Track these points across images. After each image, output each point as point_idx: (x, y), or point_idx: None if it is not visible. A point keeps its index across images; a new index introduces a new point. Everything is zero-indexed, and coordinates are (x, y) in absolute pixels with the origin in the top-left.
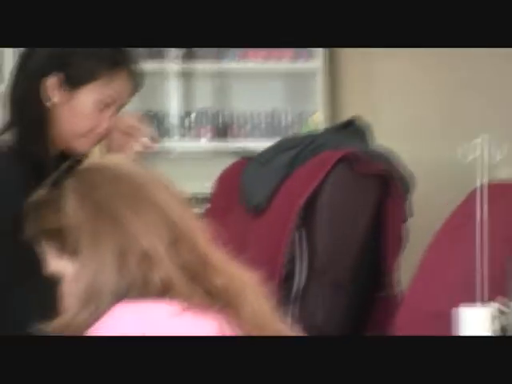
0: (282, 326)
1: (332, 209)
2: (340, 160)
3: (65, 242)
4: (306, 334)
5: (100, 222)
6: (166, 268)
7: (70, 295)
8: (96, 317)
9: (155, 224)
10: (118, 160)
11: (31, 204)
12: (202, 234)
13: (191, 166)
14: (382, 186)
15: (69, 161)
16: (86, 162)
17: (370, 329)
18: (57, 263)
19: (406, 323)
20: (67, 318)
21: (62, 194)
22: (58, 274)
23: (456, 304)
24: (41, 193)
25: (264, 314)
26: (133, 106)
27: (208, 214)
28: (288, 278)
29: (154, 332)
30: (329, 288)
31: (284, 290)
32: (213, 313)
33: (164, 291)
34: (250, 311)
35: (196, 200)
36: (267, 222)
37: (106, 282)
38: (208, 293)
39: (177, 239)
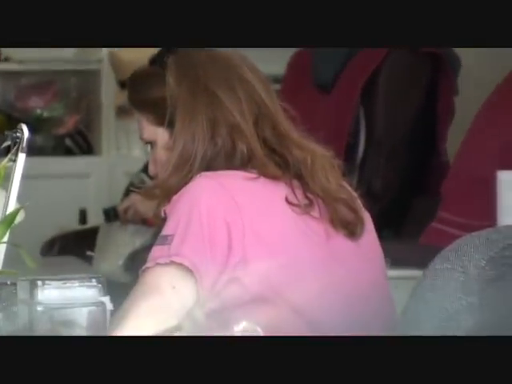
0: (346, 194)
1: (389, 85)
2: None
3: (163, 112)
4: (364, 201)
5: (197, 95)
6: (250, 140)
7: (162, 161)
8: (185, 182)
9: (245, 100)
10: None
11: (136, 76)
12: (282, 113)
13: (266, 49)
14: (435, 64)
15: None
16: None
17: (424, 192)
18: (153, 131)
19: (453, 187)
20: (159, 181)
21: (164, 69)
22: (151, 141)
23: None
24: (145, 67)
25: (331, 184)
26: None
27: (282, 93)
28: (352, 150)
29: (229, 193)
30: (385, 157)
31: (348, 161)
32: (284, 180)
33: (246, 161)
34: (319, 181)
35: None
36: (334, 99)
37: (198, 148)
38: (284, 164)
39: (261, 115)
